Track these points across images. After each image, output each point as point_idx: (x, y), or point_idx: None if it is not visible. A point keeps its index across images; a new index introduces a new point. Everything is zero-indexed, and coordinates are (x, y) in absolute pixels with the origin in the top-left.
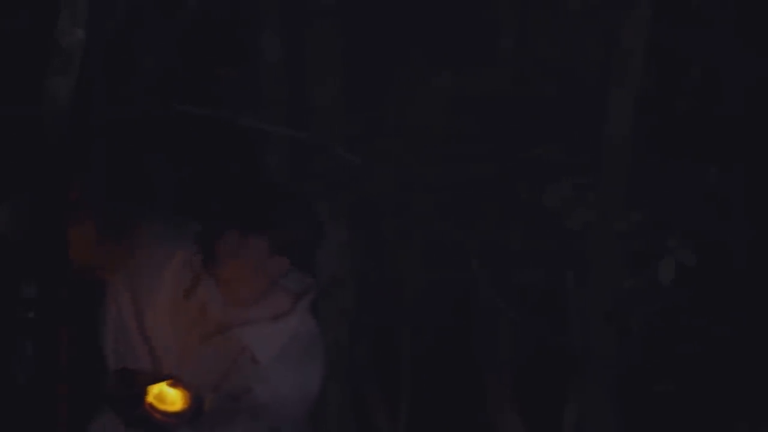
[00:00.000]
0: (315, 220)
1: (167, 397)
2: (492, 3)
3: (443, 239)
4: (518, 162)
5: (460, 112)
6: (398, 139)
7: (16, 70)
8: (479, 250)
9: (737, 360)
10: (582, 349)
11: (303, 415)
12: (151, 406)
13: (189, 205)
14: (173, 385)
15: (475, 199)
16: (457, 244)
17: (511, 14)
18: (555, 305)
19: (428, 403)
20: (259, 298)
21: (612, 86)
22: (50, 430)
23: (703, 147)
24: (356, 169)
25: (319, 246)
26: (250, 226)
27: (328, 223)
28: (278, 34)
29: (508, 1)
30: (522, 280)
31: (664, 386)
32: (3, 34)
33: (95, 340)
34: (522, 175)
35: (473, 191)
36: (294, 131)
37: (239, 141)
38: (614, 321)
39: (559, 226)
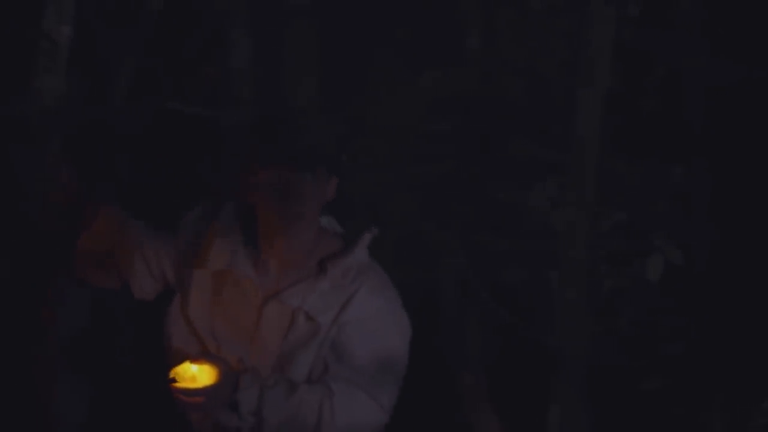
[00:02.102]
0: None
1: (186, 373)
2: (459, 3)
3: (424, 238)
4: (498, 161)
5: (436, 112)
6: (375, 138)
7: (2, 69)
8: (461, 249)
9: (720, 357)
10: (559, 348)
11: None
12: (172, 385)
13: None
14: (198, 361)
15: (452, 198)
16: (439, 243)
17: (477, 14)
18: (539, 304)
19: (403, 403)
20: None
21: (580, 86)
22: None
23: (669, 147)
24: None
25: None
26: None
27: None
28: (248, 33)
29: (475, 2)
30: (506, 279)
31: (651, 384)
32: None
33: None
34: (503, 173)
35: (450, 190)
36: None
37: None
38: (600, 320)
39: (543, 225)
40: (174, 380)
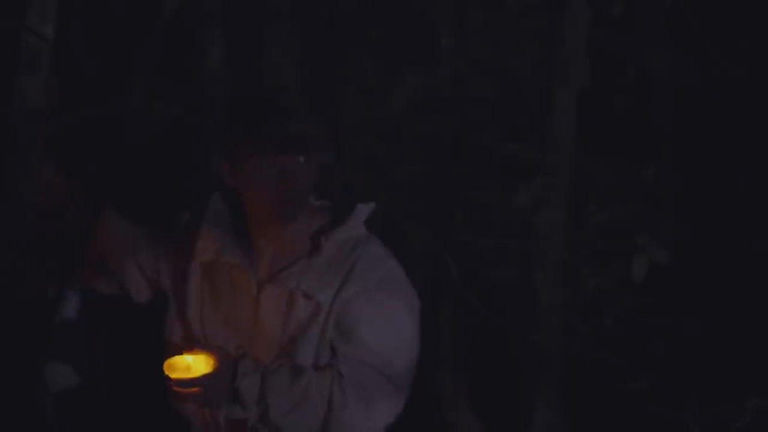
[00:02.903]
0: None
1: (180, 364)
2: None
3: (403, 238)
4: (474, 161)
5: (414, 112)
6: (353, 138)
7: None
8: (439, 250)
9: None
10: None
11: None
12: (166, 377)
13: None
14: (193, 351)
15: (432, 198)
16: (418, 243)
17: (450, 14)
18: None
19: None
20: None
21: (556, 86)
22: None
23: (640, 146)
24: None
25: None
26: None
27: None
28: (223, 34)
29: (447, 2)
30: (489, 279)
31: (638, 383)
32: None
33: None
34: (479, 174)
35: (429, 190)
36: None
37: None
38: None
39: (522, 225)
40: (168, 374)
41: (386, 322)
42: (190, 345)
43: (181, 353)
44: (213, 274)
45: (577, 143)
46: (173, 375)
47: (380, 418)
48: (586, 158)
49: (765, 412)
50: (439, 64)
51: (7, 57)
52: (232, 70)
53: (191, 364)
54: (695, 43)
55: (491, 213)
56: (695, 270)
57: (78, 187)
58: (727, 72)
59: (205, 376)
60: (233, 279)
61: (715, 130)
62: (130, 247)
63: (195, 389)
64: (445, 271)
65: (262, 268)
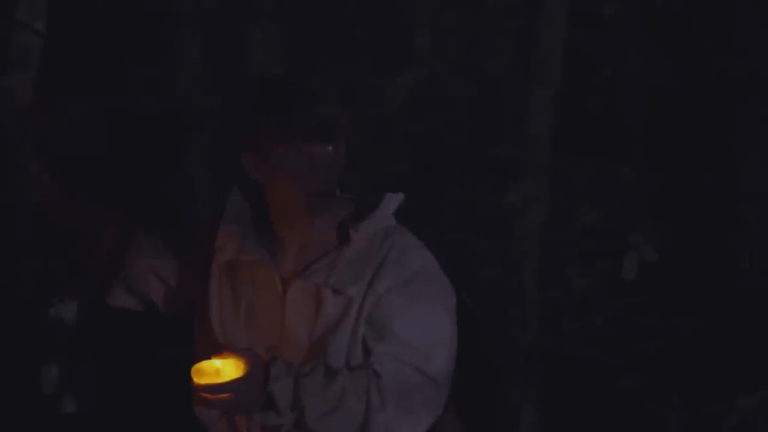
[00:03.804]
0: None
1: (209, 369)
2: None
3: None
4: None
5: (397, 111)
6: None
7: None
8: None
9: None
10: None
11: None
12: (194, 383)
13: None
14: (221, 355)
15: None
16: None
17: (425, 15)
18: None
19: None
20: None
21: (532, 86)
22: None
23: (615, 145)
24: None
25: None
26: None
27: None
28: (196, 32)
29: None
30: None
31: (627, 382)
32: None
33: None
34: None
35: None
36: None
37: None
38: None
39: (514, 225)
40: (194, 380)
41: (422, 317)
42: (218, 349)
43: (208, 357)
44: (234, 274)
45: (554, 143)
46: (202, 380)
47: (421, 419)
48: (564, 158)
49: (753, 411)
50: (417, 64)
51: None
52: (211, 69)
53: (220, 369)
54: (671, 43)
55: (475, 212)
56: (680, 268)
57: (66, 186)
58: (700, 71)
59: (236, 381)
60: (256, 277)
61: (684, 128)
62: (154, 263)
63: (225, 395)
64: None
65: (287, 265)
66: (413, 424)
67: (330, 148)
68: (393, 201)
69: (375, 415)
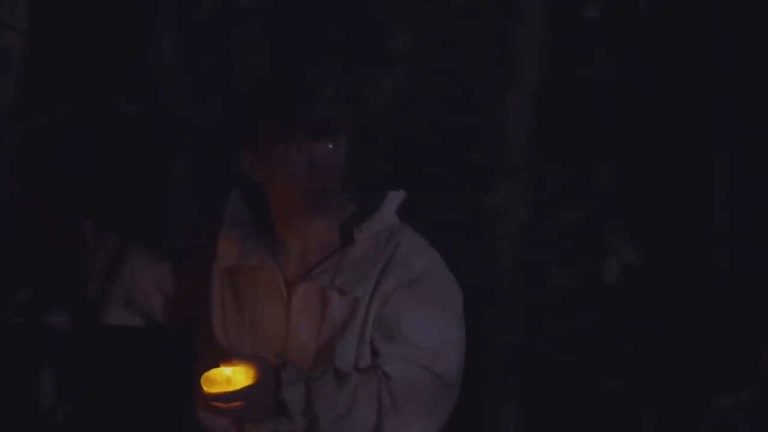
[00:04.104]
0: None
1: (219, 377)
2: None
3: None
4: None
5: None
6: None
7: None
8: None
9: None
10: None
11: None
12: (205, 392)
13: None
14: (231, 362)
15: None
16: None
17: (402, 16)
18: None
19: None
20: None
21: (508, 87)
22: None
23: (589, 146)
24: None
25: None
26: None
27: None
28: (171, 33)
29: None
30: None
31: (608, 383)
32: None
33: None
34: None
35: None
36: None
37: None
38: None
39: (493, 226)
40: (204, 389)
41: (431, 317)
42: (225, 356)
43: (217, 365)
44: (236, 279)
45: (531, 144)
46: (213, 389)
47: (432, 419)
48: (541, 158)
49: (730, 411)
50: (393, 66)
51: None
52: (187, 70)
53: (231, 377)
54: (643, 44)
55: (453, 213)
56: (655, 269)
57: (53, 201)
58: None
59: (247, 389)
60: (259, 281)
61: (656, 129)
62: (155, 277)
63: (236, 403)
64: None
65: (291, 267)
66: (425, 425)
67: (330, 145)
68: (395, 199)
69: (387, 417)
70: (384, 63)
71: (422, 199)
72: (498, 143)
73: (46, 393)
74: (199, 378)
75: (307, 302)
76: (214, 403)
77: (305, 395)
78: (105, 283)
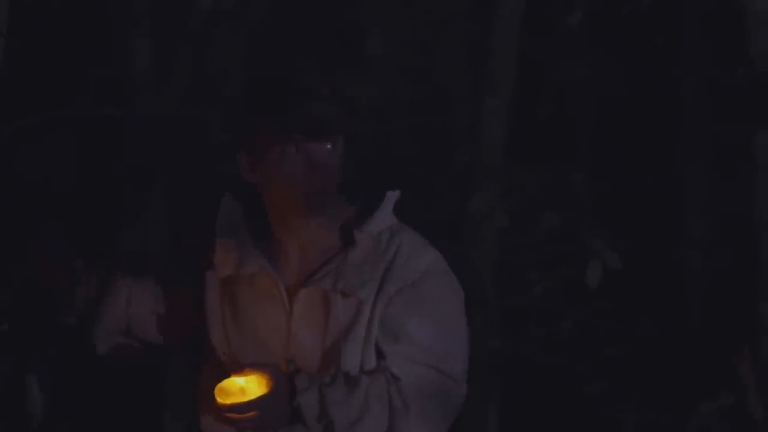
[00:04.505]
0: None
1: (233, 388)
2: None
3: None
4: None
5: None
6: None
7: None
8: None
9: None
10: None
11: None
12: (219, 404)
13: None
14: (243, 372)
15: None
16: None
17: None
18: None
19: None
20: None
21: (485, 95)
22: None
23: (566, 152)
24: None
25: None
26: None
27: None
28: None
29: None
30: None
31: (596, 386)
32: None
33: None
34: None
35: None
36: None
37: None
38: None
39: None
40: (218, 400)
41: (436, 316)
42: (238, 366)
43: (227, 376)
44: (233, 287)
45: (508, 149)
46: (227, 401)
47: (443, 419)
48: (518, 165)
49: (716, 415)
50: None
51: None
52: (161, 75)
53: (244, 387)
54: (619, 48)
55: (433, 218)
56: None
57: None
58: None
59: (262, 398)
60: (258, 288)
61: (631, 134)
62: (151, 302)
63: (252, 413)
64: None
65: (290, 272)
66: (436, 425)
67: (329, 145)
68: (392, 199)
69: (399, 419)
70: (362, 66)
71: (402, 204)
72: (476, 147)
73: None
74: (208, 390)
75: (310, 307)
76: (229, 415)
77: (319, 401)
78: (98, 316)
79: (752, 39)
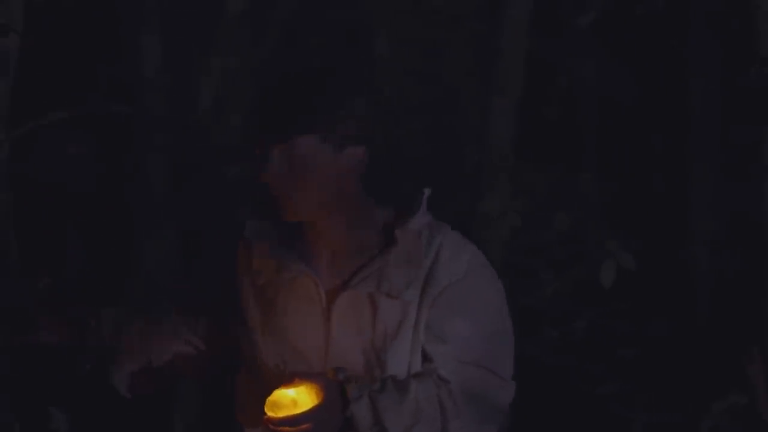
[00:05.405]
0: None
1: (284, 400)
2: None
3: None
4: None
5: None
6: None
7: None
8: None
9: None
10: None
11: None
12: (271, 418)
13: None
14: (293, 384)
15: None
16: None
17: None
18: None
19: None
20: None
21: (494, 95)
22: None
23: (575, 152)
24: None
25: None
26: None
27: None
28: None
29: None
30: None
31: (608, 387)
32: None
33: None
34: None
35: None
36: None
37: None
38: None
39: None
40: (270, 414)
41: (481, 313)
42: (287, 378)
43: (271, 386)
44: (269, 294)
45: (515, 151)
46: (280, 414)
47: (494, 418)
48: (526, 164)
49: (729, 414)
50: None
51: None
52: (170, 78)
53: (296, 398)
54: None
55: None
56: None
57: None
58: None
59: (315, 409)
60: (297, 292)
61: (637, 136)
62: (164, 341)
63: (305, 425)
64: None
65: (327, 273)
66: (488, 421)
67: (280, 148)
68: (425, 196)
69: (451, 422)
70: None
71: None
72: (484, 148)
73: None
74: (253, 402)
75: (350, 310)
76: (282, 428)
77: (372, 409)
78: (117, 362)
79: (763, 39)
